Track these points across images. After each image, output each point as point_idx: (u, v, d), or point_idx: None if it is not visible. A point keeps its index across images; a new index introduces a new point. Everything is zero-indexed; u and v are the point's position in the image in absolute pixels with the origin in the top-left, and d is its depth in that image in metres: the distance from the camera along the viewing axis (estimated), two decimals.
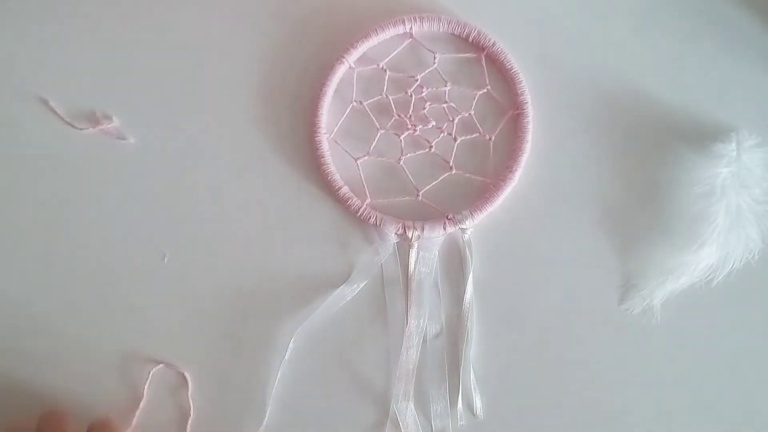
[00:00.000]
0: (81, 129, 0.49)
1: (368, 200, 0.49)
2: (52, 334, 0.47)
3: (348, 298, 0.47)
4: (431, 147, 0.49)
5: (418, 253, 0.48)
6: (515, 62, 0.48)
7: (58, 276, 0.48)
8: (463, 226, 0.48)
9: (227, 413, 0.47)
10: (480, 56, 0.49)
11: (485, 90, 0.49)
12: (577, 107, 0.49)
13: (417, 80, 0.49)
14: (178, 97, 0.49)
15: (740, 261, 0.47)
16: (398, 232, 0.48)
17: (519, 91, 0.48)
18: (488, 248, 0.49)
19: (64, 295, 0.48)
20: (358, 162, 0.49)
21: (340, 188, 0.48)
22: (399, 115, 0.49)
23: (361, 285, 0.48)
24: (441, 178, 0.49)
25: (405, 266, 0.48)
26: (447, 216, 0.48)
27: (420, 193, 0.49)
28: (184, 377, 0.46)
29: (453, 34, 0.49)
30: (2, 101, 0.49)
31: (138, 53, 0.50)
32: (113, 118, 0.49)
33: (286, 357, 0.47)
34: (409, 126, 0.49)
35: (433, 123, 0.49)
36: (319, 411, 0.48)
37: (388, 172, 0.49)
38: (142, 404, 0.45)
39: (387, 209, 0.49)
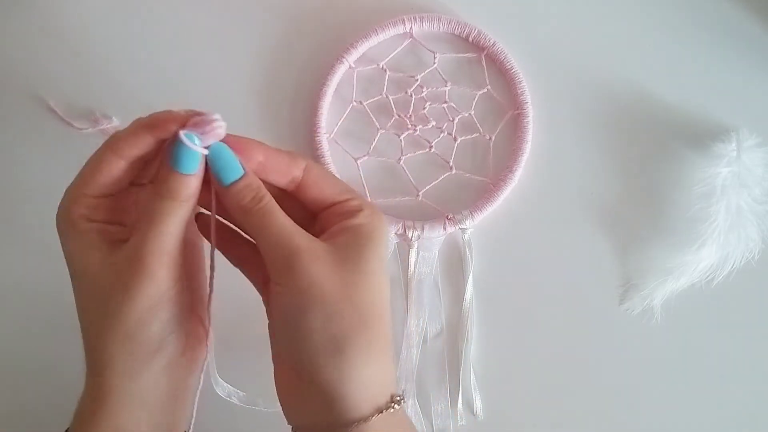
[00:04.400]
0: (81, 129, 0.49)
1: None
2: (55, 336, 0.47)
3: None
4: (431, 147, 0.49)
5: (418, 253, 0.48)
6: (515, 62, 0.48)
7: (58, 275, 0.48)
8: (463, 226, 0.48)
9: None
10: (480, 56, 0.49)
11: (485, 90, 0.49)
12: (577, 107, 0.49)
13: (417, 80, 0.49)
14: (177, 97, 0.49)
15: (740, 261, 0.47)
16: (398, 232, 0.48)
17: (519, 91, 0.48)
18: (488, 248, 0.49)
19: (62, 294, 0.48)
20: (358, 162, 0.49)
21: None
22: (399, 115, 0.49)
23: None
24: (441, 178, 0.49)
25: (405, 266, 0.48)
26: (447, 216, 0.48)
27: (420, 193, 0.49)
28: None
29: (453, 34, 0.49)
30: (2, 101, 0.49)
31: (137, 53, 0.50)
32: (113, 118, 0.49)
33: None
34: (409, 126, 0.49)
35: (433, 123, 0.49)
36: None
37: (388, 172, 0.49)
38: None
39: (387, 209, 0.49)
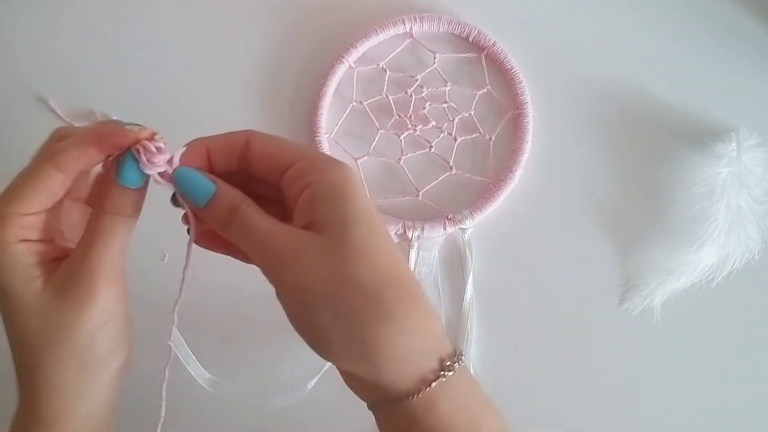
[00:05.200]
0: None
1: None
2: None
3: None
4: (431, 147, 0.49)
5: (418, 253, 0.48)
6: (515, 62, 0.48)
7: None
8: (463, 226, 0.48)
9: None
10: (480, 56, 0.49)
11: (485, 90, 0.49)
12: (577, 107, 0.49)
13: (417, 80, 0.49)
14: (177, 97, 0.49)
15: (740, 261, 0.47)
16: (398, 232, 0.48)
17: (519, 91, 0.48)
18: (488, 248, 0.49)
19: None
20: (358, 162, 0.49)
21: None
22: (399, 115, 0.49)
23: None
24: (441, 178, 0.49)
25: None
26: (447, 216, 0.48)
27: (420, 193, 0.49)
28: None
29: (453, 34, 0.49)
30: (2, 101, 0.49)
31: (138, 53, 0.50)
32: (113, 118, 0.49)
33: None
34: (409, 126, 0.49)
35: (433, 123, 0.49)
36: (322, 412, 0.48)
37: (388, 172, 0.49)
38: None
39: (387, 209, 0.49)
